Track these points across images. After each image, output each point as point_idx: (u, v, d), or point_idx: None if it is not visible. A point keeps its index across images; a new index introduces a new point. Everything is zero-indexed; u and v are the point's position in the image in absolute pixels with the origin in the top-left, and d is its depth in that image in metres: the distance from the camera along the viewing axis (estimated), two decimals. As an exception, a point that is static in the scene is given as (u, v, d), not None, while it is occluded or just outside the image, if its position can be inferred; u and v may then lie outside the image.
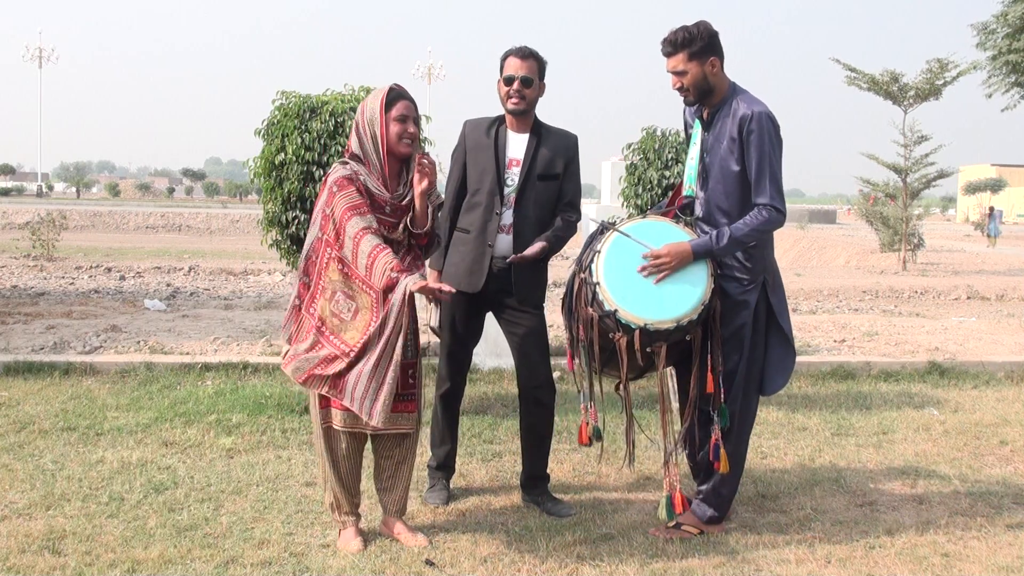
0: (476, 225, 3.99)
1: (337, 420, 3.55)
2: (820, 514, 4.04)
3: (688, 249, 3.58)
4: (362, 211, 3.42)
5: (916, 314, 11.10)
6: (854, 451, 5.05)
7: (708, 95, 3.75)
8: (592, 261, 3.63)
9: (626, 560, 3.52)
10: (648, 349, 3.57)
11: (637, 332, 3.52)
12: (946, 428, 5.54)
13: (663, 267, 3.57)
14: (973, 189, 66.67)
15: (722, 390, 3.71)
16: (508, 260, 3.95)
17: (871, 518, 4.02)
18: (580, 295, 3.69)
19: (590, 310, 3.62)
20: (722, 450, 3.73)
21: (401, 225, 3.54)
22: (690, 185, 3.87)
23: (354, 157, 3.56)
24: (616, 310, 3.53)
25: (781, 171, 3.65)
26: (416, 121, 3.57)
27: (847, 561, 3.55)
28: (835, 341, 8.31)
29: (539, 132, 4.06)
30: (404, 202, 3.56)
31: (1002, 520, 4.01)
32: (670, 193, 4.15)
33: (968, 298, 13.39)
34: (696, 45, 3.65)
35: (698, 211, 3.85)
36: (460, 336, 4.14)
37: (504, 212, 4.00)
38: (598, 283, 3.58)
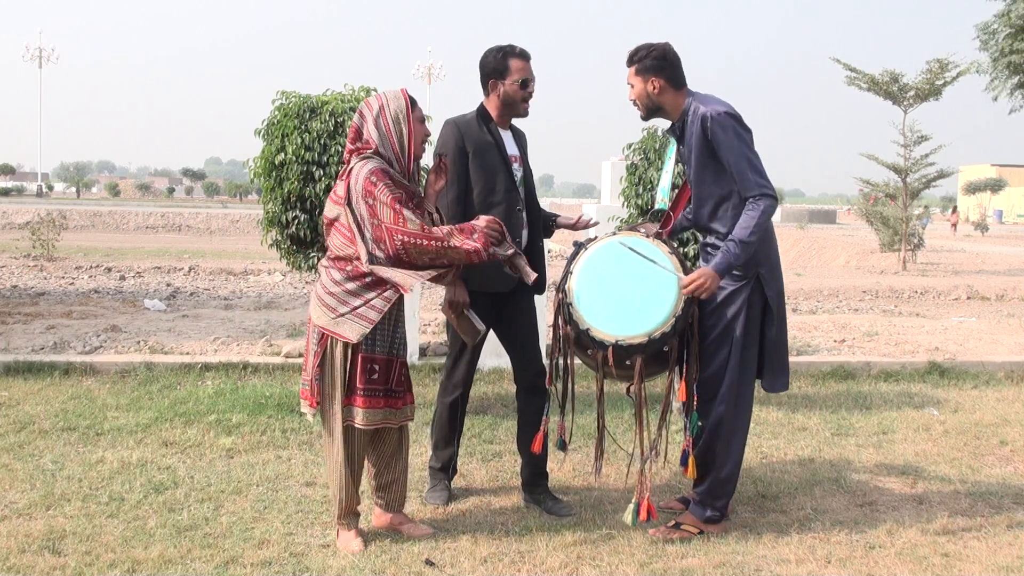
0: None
1: (359, 419, 3.56)
2: (820, 514, 4.04)
3: (712, 272, 3.61)
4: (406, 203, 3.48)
5: (916, 314, 11.11)
6: (854, 451, 5.05)
7: (656, 113, 3.88)
8: (566, 281, 3.72)
9: (626, 560, 3.52)
10: (627, 362, 3.61)
11: (610, 348, 3.58)
12: (946, 428, 5.54)
13: (701, 291, 3.60)
14: (973, 189, 66.68)
15: (695, 398, 3.75)
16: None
17: (871, 518, 4.02)
18: (559, 314, 3.77)
19: (568, 328, 3.70)
20: (690, 457, 3.79)
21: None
22: (663, 199, 3.98)
23: (378, 154, 3.57)
24: (588, 328, 3.61)
25: (757, 157, 3.67)
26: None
27: (847, 561, 3.55)
28: (835, 341, 8.31)
29: (515, 129, 4.18)
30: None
31: (1002, 520, 4.01)
32: (663, 196, 4.17)
33: (968, 298, 13.38)
34: (643, 63, 3.78)
35: (691, 216, 3.96)
36: (479, 341, 4.14)
37: (521, 207, 4.06)
38: (571, 303, 3.66)
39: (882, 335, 8.81)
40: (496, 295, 4.04)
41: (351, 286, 3.50)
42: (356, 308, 3.50)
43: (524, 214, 4.08)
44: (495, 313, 4.10)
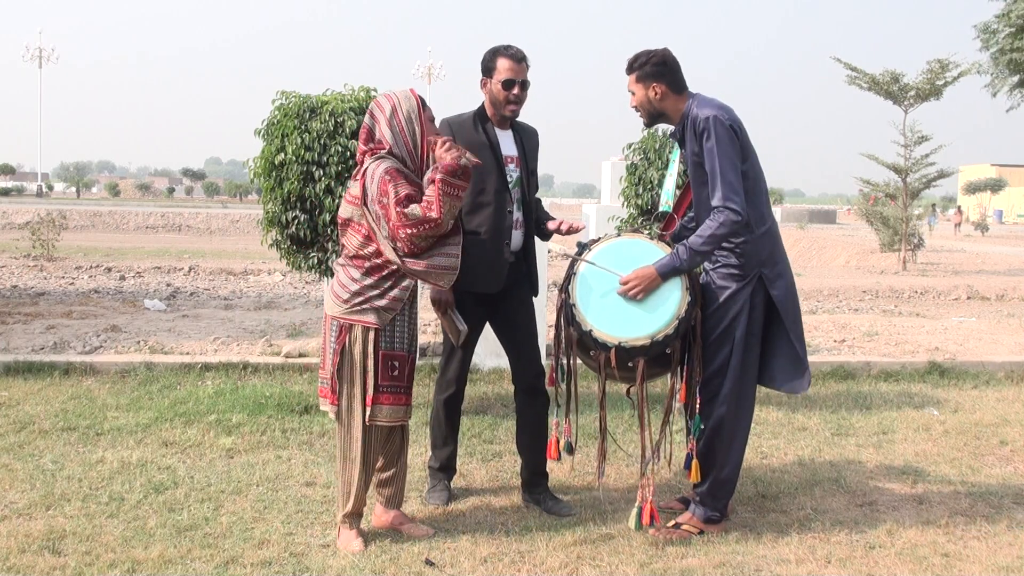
0: (488, 225, 3.98)
1: (384, 416, 3.59)
2: (820, 514, 4.04)
3: (653, 271, 3.62)
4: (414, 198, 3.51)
5: (916, 314, 11.11)
6: (854, 451, 5.05)
7: (659, 119, 3.88)
8: (569, 283, 3.73)
9: (626, 560, 3.52)
10: (629, 364, 3.62)
11: (613, 350, 3.58)
12: (946, 428, 5.54)
13: (632, 291, 3.62)
14: (973, 189, 66.66)
15: (698, 399, 3.75)
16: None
17: (871, 518, 4.02)
18: (561, 315, 3.77)
19: (571, 330, 3.71)
20: (694, 460, 3.80)
21: None
22: (667, 201, 4.01)
23: (392, 154, 3.60)
24: (591, 330, 3.61)
25: (734, 169, 3.64)
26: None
27: (847, 561, 3.55)
28: (835, 341, 8.31)
29: (517, 128, 4.13)
30: None
31: (1002, 520, 4.01)
32: (667, 199, 4.18)
33: (968, 298, 13.39)
34: (643, 69, 3.78)
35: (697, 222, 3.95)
36: (471, 340, 4.15)
37: (512, 209, 4.03)
38: (574, 304, 3.67)
39: (882, 335, 8.80)
40: (484, 295, 4.04)
41: (369, 281, 3.55)
42: (374, 298, 3.54)
43: (520, 215, 4.05)
44: (484, 313, 4.12)
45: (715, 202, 3.62)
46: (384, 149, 3.59)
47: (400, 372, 3.61)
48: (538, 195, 4.33)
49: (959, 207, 50.87)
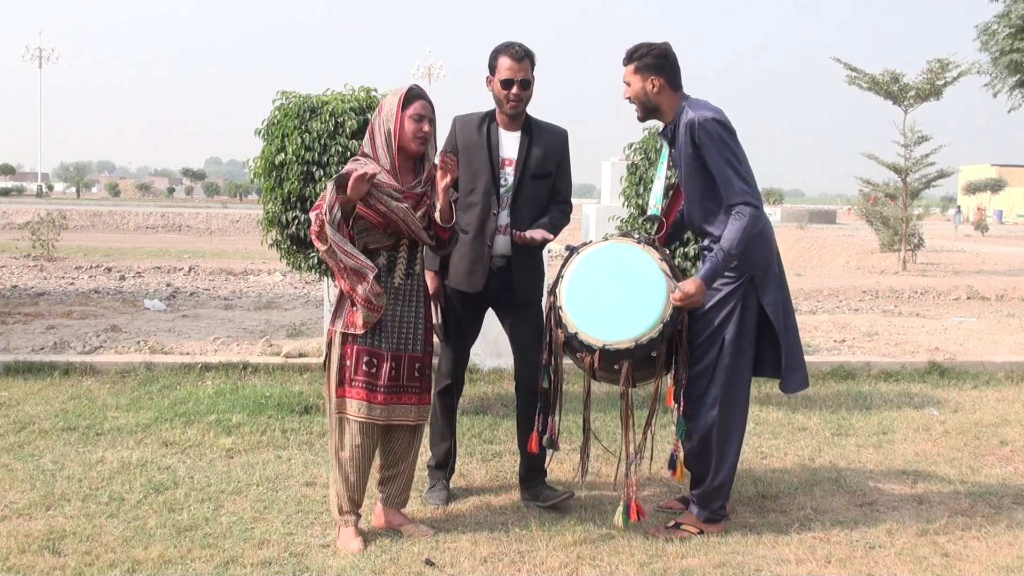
0: (473, 226, 3.98)
1: (352, 410, 3.59)
2: (820, 514, 4.04)
3: (700, 282, 3.60)
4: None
5: (916, 314, 11.10)
6: (854, 451, 5.06)
7: (653, 113, 3.86)
8: (557, 285, 3.74)
9: (626, 560, 3.52)
10: (615, 367, 3.62)
11: (597, 353, 3.59)
12: (946, 428, 5.54)
13: (689, 303, 3.59)
14: (973, 189, 66.67)
15: (682, 403, 3.75)
16: (514, 238, 3.94)
17: (871, 518, 4.02)
18: (550, 317, 3.78)
19: (558, 331, 3.72)
20: (679, 461, 3.81)
21: (416, 215, 3.59)
22: (655, 204, 3.96)
23: (364, 155, 3.64)
24: (577, 332, 3.62)
25: (743, 165, 3.66)
26: (432, 122, 3.64)
27: (847, 561, 3.55)
28: (835, 341, 8.31)
29: (531, 130, 4.06)
30: (416, 192, 3.62)
31: (1002, 520, 4.01)
32: (655, 202, 4.17)
33: (968, 298, 13.38)
34: (643, 60, 3.77)
35: (688, 221, 3.97)
36: (461, 334, 4.15)
37: (500, 213, 4.00)
38: (560, 307, 3.68)
39: (882, 335, 8.81)
40: (476, 295, 4.05)
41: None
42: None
43: (511, 220, 3.99)
44: (477, 312, 4.15)
45: (734, 200, 3.62)
46: (363, 151, 3.65)
47: (378, 370, 3.60)
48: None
49: (979, 207, 51.27)
